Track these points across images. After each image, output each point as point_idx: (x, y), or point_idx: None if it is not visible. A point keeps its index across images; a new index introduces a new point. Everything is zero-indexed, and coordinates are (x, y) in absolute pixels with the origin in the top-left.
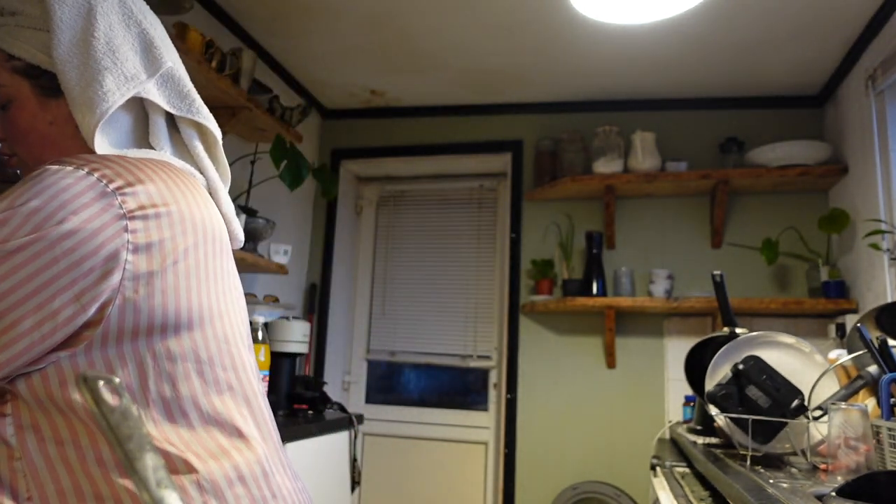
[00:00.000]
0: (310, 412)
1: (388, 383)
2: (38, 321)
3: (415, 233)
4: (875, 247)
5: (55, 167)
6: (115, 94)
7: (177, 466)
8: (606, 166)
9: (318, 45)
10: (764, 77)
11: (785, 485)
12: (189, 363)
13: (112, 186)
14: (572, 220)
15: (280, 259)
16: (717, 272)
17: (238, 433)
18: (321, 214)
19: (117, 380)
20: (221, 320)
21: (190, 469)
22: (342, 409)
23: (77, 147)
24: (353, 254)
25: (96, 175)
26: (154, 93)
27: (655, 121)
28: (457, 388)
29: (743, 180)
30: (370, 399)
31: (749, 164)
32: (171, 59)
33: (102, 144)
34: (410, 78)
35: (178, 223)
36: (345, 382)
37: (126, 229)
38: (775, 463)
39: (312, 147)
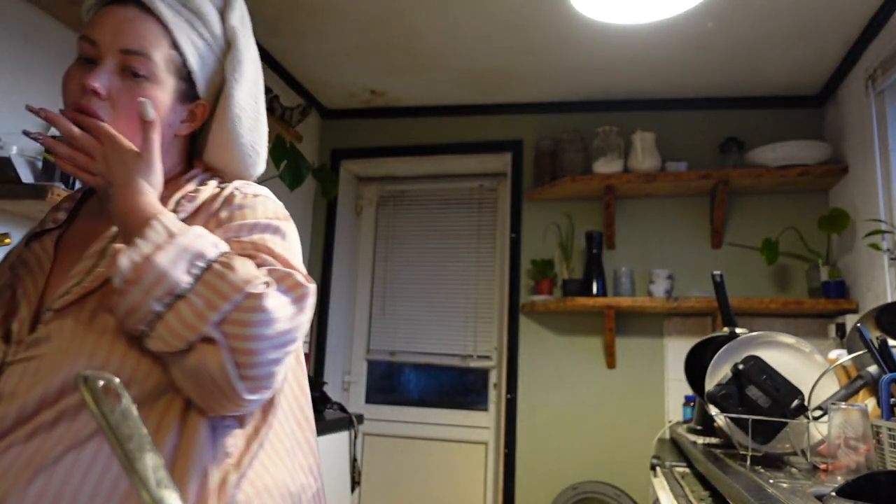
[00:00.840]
0: None
1: (388, 383)
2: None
3: (415, 233)
4: (875, 247)
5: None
6: (266, 150)
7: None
8: (606, 166)
9: (318, 45)
10: (764, 77)
11: (785, 485)
12: (305, 371)
13: None
14: (572, 220)
15: None
16: (717, 272)
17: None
18: (321, 214)
19: (117, 380)
20: None
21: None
22: (342, 409)
23: (168, 156)
24: (353, 254)
25: None
26: None
27: (655, 121)
28: (457, 388)
29: (743, 180)
30: (370, 399)
31: (749, 164)
32: None
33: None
34: (410, 78)
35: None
36: (345, 382)
37: None
38: (775, 463)
39: (312, 147)
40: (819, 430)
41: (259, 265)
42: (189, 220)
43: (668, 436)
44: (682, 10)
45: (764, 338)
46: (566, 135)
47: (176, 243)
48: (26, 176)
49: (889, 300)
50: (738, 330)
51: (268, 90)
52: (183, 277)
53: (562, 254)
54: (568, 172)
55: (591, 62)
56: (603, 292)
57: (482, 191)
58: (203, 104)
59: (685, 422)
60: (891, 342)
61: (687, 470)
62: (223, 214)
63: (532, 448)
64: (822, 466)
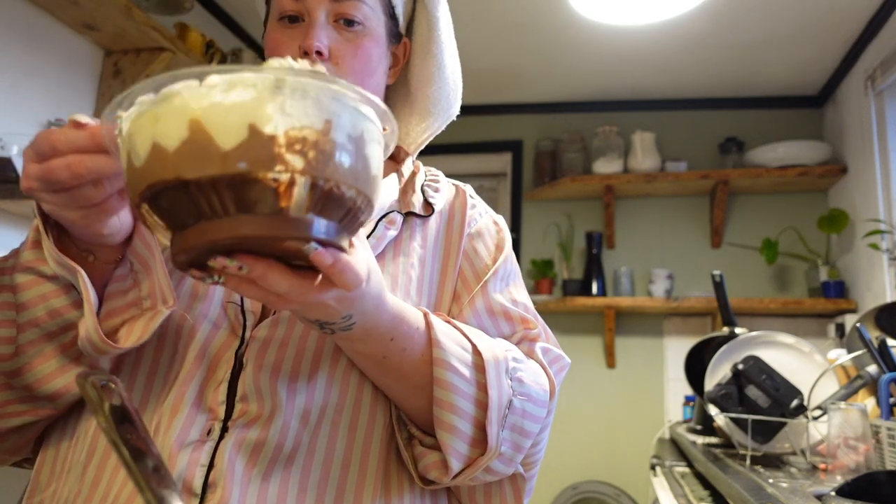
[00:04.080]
0: None
1: None
2: None
3: None
4: (874, 247)
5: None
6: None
7: None
8: (606, 166)
9: None
10: (764, 77)
11: (784, 484)
12: None
13: None
14: (572, 220)
15: None
16: (716, 272)
17: None
18: None
19: (117, 380)
20: None
21: None
22: None
23: None
24: None
25: None
26: None
27: (655, 121)
28: None
29: (742, 180)
30: None
31: (749, 165)
32: None
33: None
34: None
35: None
36: None
37: None
38: (775, 463)
39: None
40: (818, 429)
41: (529, 352)
42: (446, 234)
43: (667, 436)
44: (681, 10)
45: (763, 338)
46: (566, 135)
47: (493, 405)
48: None
49: (888, 300)
50: (737, 330)
51: None
52: (497, 444)
53: (562, 254)
54: (568, 172)
55: (590, 62)
56: (603, 292)
57: (482, 191)
58: (406, 43)
59: (685, 422)
60: (890, 342)
61: (687, 470)
62: (482, 252)
63: None
64: (822, 466)
